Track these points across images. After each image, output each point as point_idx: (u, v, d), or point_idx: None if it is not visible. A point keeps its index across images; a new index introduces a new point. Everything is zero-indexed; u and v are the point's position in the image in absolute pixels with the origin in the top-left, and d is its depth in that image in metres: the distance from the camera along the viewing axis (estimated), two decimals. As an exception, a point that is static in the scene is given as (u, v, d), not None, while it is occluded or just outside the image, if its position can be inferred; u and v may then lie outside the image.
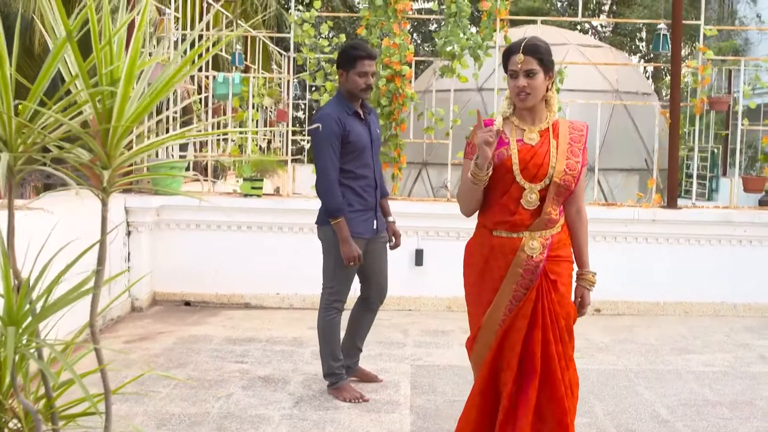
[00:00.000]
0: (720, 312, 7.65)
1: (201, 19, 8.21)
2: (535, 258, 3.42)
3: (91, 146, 2.33)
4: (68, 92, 2.39)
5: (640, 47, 25.59)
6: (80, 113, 2.39)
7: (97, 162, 2.34)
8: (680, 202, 7.98)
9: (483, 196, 3.50)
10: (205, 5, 9.56)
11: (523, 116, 3.48)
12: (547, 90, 3.45)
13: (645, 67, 23.02)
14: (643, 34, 24.75)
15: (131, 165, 2.57)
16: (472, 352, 3.61)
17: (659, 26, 8.94)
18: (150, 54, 2.61)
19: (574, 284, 3.61)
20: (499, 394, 3.49)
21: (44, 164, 2.40)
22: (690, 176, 10.86)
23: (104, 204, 2.43)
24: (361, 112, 4.88)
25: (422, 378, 5.44)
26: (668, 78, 8.70)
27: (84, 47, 2.28)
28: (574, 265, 3.63)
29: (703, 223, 7.60)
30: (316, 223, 4.92)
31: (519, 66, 3.35)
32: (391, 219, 5.12)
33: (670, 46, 8.29)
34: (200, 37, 8.75)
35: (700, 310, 7.64)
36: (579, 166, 3.45)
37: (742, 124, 8.66)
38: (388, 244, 5.13)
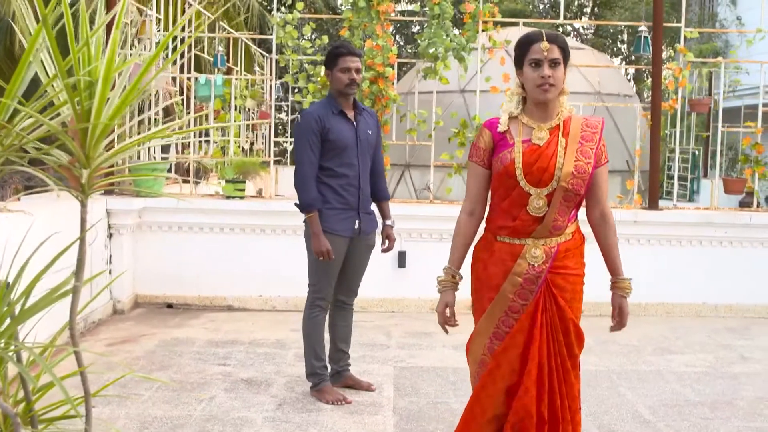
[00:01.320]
0: (701, 313, 7.69)
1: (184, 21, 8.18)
2: (537, 267, 3.22)
3: (69, 147, 2.31)
4: (47, 93, 2.37)
5: (622, 49, 25.72)
6: (58, 114, 2.38)
7: (75, 163, 2.33)
8: (661, 203, 8.03)
9: (488, 198, 3.39)
10: (186, 6, 9.53)
11: (533, 113, 3.26)
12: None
13: (626, 69, 23.14)
14: (625, 36, 24.89)
15: (112, 166, 2.56)
16: (469, 359, 3.46)
17: (640, 28, 9.00)
18: (130, 56, 2.59)
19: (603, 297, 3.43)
20: (497, 410, 3.29)
21: (23, 165, 2.38)
22: (671, 177, 10.93)
23: (83, 205, 2.41)
24: (349, 112, 4.91)
25: (405, 379, 5.44)
26: (650, 80, 8.75)
27: (63, 51, 2.27)
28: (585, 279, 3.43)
29: (684, 224, 7.65)
30: (303, 221, 4.94)
31: (545, 54, 3.13)
32: (389, 222, 5.14)
33: (651, 48, 8.33)
34: (186, 38, 8.73)
35: (681, 311, 7.69)
36: (590, 169, 3.22)
37: (723, 126, 8.72)
38: (380, 247, 5.13)
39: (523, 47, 3.23)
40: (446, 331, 3.45)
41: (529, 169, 3.17)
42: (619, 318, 3.46)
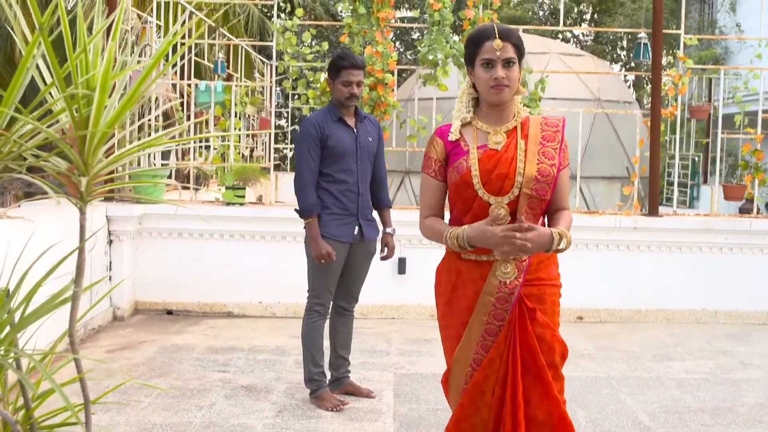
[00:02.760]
0: (701, 319, 7.68)
1: (183, 26, 8.23)
2: (509, 284, 2.91)
3: (68, 154, 2.31)
4: (45, 101, 2.37)
5: (622, 56, 25.76)
6: (57, 122, 2.38)
7: (74, 170, 2.33)
8: (661, 209, 8.03)
9: (443, 210, 3.11)
10: (187, 13, 9.55)
11: (488, 116, 3.00)
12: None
13: (626, 76, 23.18)
14: (624, 43, 24.93)
15: (112, 173, 2.56)
16: (449, 393, 3.18)
17: (640, 35, 9.01)
18: (128, 62, 2.59)
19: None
20: None
21: (21, 173, 2.39)
22: (671, 184, 10.94)
23: (82, 212, 2.41)
24: (350, 120, 4.95)
25: (405, 386, 5.43)
26: (649, 87, 8.76)
27: (61, 59, 2.27)
28: (562, 290, 3.12)
29: (684, 230, 7.65)
30: (304, 227, 4.96)
31: (498, 54, 2.86)
32: (388, 230, 5.15)
33: (650, 55, 8.35)
34: (183, 45, 8.74)
35: (681, 317, 7.68)
36: (554, 171, 2.93)
37: (722, 132, 8.73)
38: (379, 255, 5.14)
39: (474, 45, 2.96)
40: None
41: (488, 176, 2.90)
42: (528, 229, 2.79)
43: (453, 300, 3.03)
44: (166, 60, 7.25)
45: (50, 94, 2.37)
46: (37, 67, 2.37)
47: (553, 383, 2.95)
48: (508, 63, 2.89)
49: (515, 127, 2.98)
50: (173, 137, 4.03)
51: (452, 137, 3.00)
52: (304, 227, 4.90)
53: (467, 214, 2.95)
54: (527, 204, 2.90)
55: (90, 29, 2.42)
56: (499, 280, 2.92)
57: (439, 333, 3.17)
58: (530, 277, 2.95)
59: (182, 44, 8.71)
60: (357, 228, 4.94)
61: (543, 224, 3.04)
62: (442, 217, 3.11)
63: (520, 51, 2.93)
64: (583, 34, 25.78)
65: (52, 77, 2.32)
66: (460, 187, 2.94)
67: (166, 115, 10.68)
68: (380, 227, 5.17)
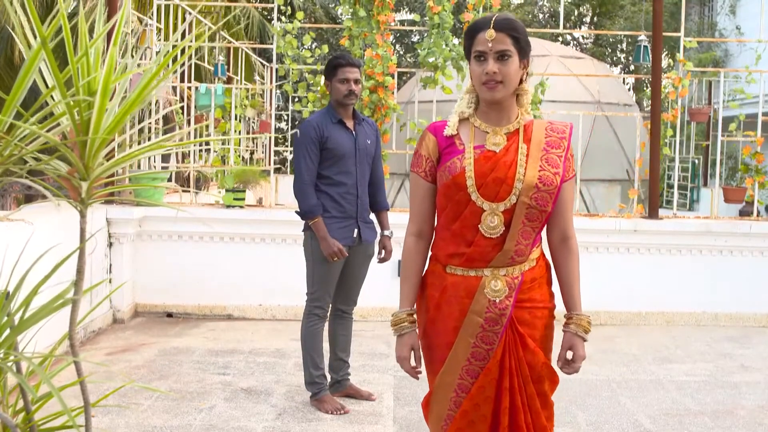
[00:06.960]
0: (701, 322, 7.68)
1: (183, 30, 8.24)
2: (499, 303, 2.62)
3: (69, 158, 2.31)
4: (46, 103, 2.38)
5: (622, 59, 25.78)
6: (58, 125, 2.38)
7: (75, 174, 2.33)
8: (661, 212, 8.03)
9: (433, 218, 2.80)
10: (187, 16, 9.56)
11: (487, 115, 2.69)
12: (521, 81, 2.66)
13: (626, 79, 23.19)
14: (624, 46, 24.96)
15: (112, 176, 2.56)
16: (429, 418, 2.88)
17: (640, 38, 9.03)
18: (129, 65, 2.59)
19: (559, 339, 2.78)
20: None
21: (22, 176, 2.39)
22: (671, 186, 10.94)
23: (82, 216, 2.41)
24: (348, 122, 4.95)
25: (405, 389, 5.43)
26: (649, 89, 8.77)
27: (62, 60, 2.28)
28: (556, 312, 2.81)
29: (684, 233, 7.65)
30: (303, 230, 4.97)
31: (489, 45, 2.57)
32: (386, 233, 5.16)
33: (650, 57, 8.35)
34: (183, 47, 8.75)
35: (681, 319, 7.68)
36: (558, 180, 2.63)
37: (722, 135, 8.73)
38: (376, 257, 5.15)
39: (469, 37, 2.66)
40: (416, 378, 2.85)
41: (483, 180, 2.61)
42: (572, 361, 2.74)
43: (437, 319, 2.73)
44: (169, 64, 7.27)
45: (51, 96, 2.37)
46: (39, 70, 2.38)
47: (541, 412, 2.71)
48: (502, 56, 2.57)
49: (517, 130, 2.68)
50: (174, 142, 4.04)
51: (448, 132, 2.71)
52: (303, 230, 4.92)
53: (456, 220, 2.66)
54: (525, 215, 2.62)
55: (90, 33, 2.42)
56: (488, 298, 2.63)
57: (422, 353, 2.82)
58: (523, 297, 2.66)
59: (188, 48, 8.72)
60: (356, 231, 4.95)
61: (539, 239, 2.75)
62: (433, 225, 2.82)
63: (519, 44, 2.60)
64: (583, 36, 25.80)
65: (53, 80, 2.32)
66: (451, 190, 2.65)
67: (167, 118, 10.68)
68: (378, 229, 5.18)
